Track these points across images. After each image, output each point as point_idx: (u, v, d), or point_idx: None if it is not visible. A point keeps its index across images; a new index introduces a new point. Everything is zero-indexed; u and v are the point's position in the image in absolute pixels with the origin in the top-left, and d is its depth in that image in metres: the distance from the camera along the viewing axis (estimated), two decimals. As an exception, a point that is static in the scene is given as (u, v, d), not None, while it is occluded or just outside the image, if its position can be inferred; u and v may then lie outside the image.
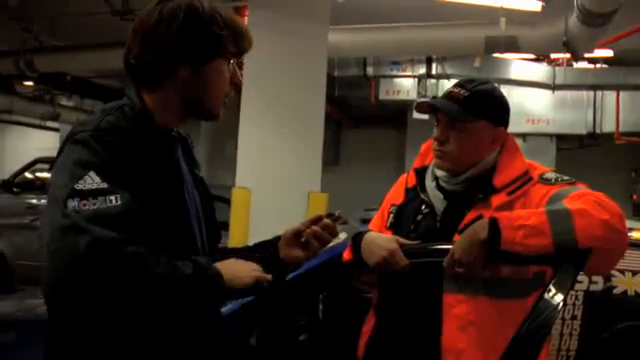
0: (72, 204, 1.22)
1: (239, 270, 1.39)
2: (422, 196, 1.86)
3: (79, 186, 1.24)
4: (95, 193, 1.24)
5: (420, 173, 1.91)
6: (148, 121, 1.41)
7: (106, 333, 1.33)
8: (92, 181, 1.25)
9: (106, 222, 1.22)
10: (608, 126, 10.08)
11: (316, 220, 1.56)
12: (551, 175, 1.76)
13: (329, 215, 1.58)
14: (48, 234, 1.24)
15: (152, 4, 1.44)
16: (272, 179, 5.44)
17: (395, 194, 1.96)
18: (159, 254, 1.28)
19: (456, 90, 1.80)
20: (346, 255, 1.93)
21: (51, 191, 1.30)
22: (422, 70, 10.15)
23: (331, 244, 1.61)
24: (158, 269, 1.25)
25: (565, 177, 1.75)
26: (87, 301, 1.25)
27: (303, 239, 1.54)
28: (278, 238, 1.59)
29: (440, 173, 1.85)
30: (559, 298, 1.51)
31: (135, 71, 1.44)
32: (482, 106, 1.77)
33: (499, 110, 1.83)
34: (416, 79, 10.26)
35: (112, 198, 1.25)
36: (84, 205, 1.22)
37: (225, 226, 5.09)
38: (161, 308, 1.31)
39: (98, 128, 1.33)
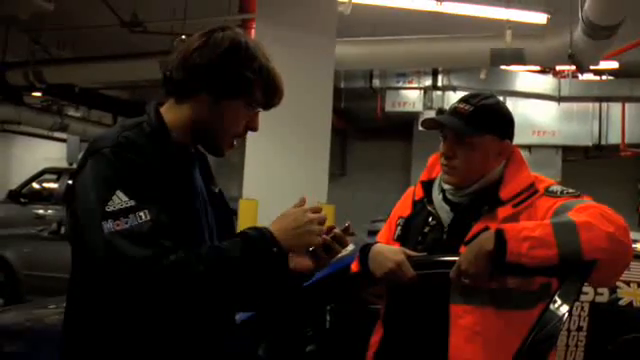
0: (107, 226, 1.30)
1: (295, 228, 1.41)
2: (429, 208, 1.88)
3: (109, 208, 1.31)
4: (126, 212, 1.30)
5: (427, 186, 1.93)
6: (164, 137, 1.46)
7: (121, 340, 1.37)
8: (120, 201, 1.31)
9: (143, 239, 1.29)
10: (614, 138, 10.09)
11: (326, 231, 1.58)
12: (557, 188, 1.78)
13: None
14: (91, 254, 1.32)
15: (205, 30, 1.50)
16: (279, 190, 5.46)
17: (402, 206, 1.98)
18: (201, 248, 1.34)
19: (461, 105, 1.83)
20: (354, 267, 1.94)
21: (81, 207, 1.36)
22: (428, 82, 10.19)
23: (339, 255, 1.62)
24: (202, 266, 1.30)
25: (570, 190, 1.77)
26: (149, 313, 1.33)
27: (312, 249, 1.56)
28: None
29: (447, 186, 1.87)
30: (564, 309, 1.52)
31: (166, 81, 1.50)
32: (487, 120, 1.80)
33: (504, 124, 1.85)
34: (422, 91, 10.30)
35: (141, 214, 1.31)
36: (117, 225, 1.30)
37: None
38: (218, 297, 1.35)
39: (118, 144, 1.38)
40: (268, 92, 1.51)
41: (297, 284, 1.53)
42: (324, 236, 1.53)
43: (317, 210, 1.47)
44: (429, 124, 1.88)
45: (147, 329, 1.36)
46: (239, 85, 1.47)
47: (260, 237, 1.38)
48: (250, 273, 1.34)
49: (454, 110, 1.83)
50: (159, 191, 1.37)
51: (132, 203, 1.31)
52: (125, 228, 1.29)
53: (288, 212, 1.45)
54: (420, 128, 7.61)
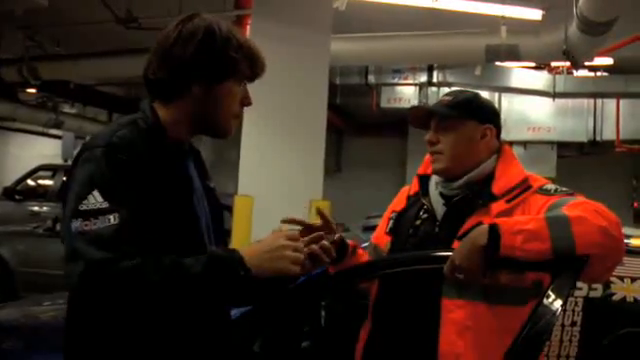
0: (75, 225, 1.32)
1: (267, 252, 1.40)
2: (423, 201, 1.90)
3: (82, 207, 1.33)
4: (96, 213, 1.32)
5: (423, 179, 1.96)
6: (160, 134, 1.46)
7: (119, 336, 1.38)
8: (95, 201, 1.33)
9: (102, 243, 1.30)
10: (608, 134, 10.10)
11: (316, 238, 1.59)
12: (550, 186, 1.80)
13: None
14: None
15: (174, 23, 1.50)
16: (274, 186, 5.46)
17: (397, 201, 2.01)
18: (162, 259, 1.33)
19: (443, 98, 1.95)
20: (331, 268, 1.94)
21: (66, 203, 1.38)
22: (423, 78, 10.18)
23: None
24: (157, 276, 1.30)
25: (564, 188, 1.79)
26: (98, 313, 1.35)
27: None
28: None
29: (438, 178, 1.89)
30: (558, 304, 1.53)
31: (152, 85, 1.50)
32: (467, 108, 1.88)
33: (484, 110, 1.92)
34: (417, 87, 10.31)
35: (110, 217, 1.32)
36: (86, 225, 1.31)
37: (227, 233, 5.11)
38: (173, 308, 1.35)
39: (109, 143, 1.39)
40: (252, 65, 1.52)
41: (281, 287, 1.54)
42: (312, 246, 1.54)
43: (294, 237, 1.45)
44: (414, 117, 1.96)
45: (138, 326, 1.37)
46: (227, 66, 1.48)
47: (228, 258, 1.38)
48: (210, 290, 1.35)
49: (437, 102, 1.96)
50: (148, 189, 1.37)
51: (105, 205, 1.32)
52: (92, 229, 1.30)
53: (265, 237, 1.45)
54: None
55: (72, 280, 1.30)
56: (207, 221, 1.53)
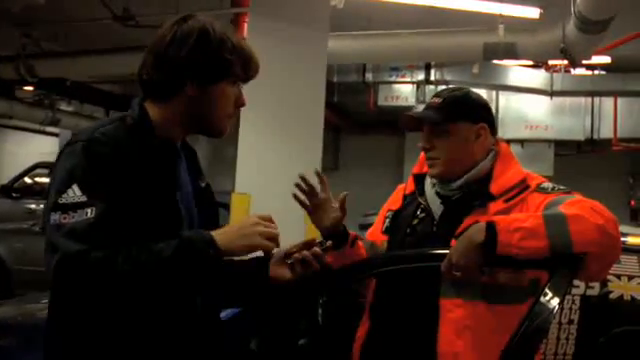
0: (54, 217, 1.35)
1: (238, 229, 1.43)
2: (420, 200, 1.90)
3: (62, 200, 1.35)
4: (75, 206, 1.34)
5: (418, 179, 1.95)
6: (146, 131, 1.47)
7: (105, 334, 1.39)
8: (74, 194, 1.35)
9: (78, 235, 1.32)
10: (606, 132, 10.11)
11: (308, 244, 1.60)
12: (548, 185, 1.79)
13: (320, 243, 1.63)
14: None
15: (169, 24, 1.52)
16: (271, 184, 5.45)
17: (393, 200, 2.01)
18: (132, 247, 1.35)
19: (433, 100, 1.91)
20: (329, 257, 1.94)
21: (48, 197, 1.41)
22: (421, 76, 10.17)
23: None
24: (127, 264, 1.32)
25: (562, 187, 1.79)
26: (74, 303, 1.37)
27: (290, 261, 1.58)
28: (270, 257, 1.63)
29: (434, 179, 1.89)
30: (555, 302, 1.53)
31: (146, 84, 1.51)
32: (457, 108, 1.86)
33: (475, 108, 1.89)
34: (415, 85, 10.29)
35: (88, 210, 1.34)
36: (64, 219, 1.34)
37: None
38: (149, 293, 1.37)
39: (90, 138, 1.41)
40: (245, 66, 1.54)
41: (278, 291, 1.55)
42: (304, 252, 1.55)
43: (267, 218, 1.48)
44: (406, 122, 1.94)
45: (118, 322, 1.38)
46: (221, 68, 1.49)
47: (197, 239, 1.39)
48: (182, 272, 1.36)
49: (427, 105, 1.91)
50: (127, 184, 1.39)
51: (84, 199, 1.34)
52: (69, 222, 1.32)
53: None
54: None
55: (48, 272, 1.32)
56: (193, 218, 1.53)
